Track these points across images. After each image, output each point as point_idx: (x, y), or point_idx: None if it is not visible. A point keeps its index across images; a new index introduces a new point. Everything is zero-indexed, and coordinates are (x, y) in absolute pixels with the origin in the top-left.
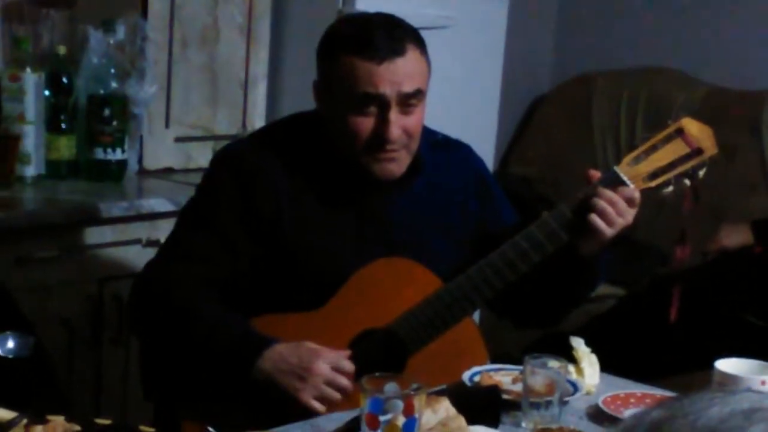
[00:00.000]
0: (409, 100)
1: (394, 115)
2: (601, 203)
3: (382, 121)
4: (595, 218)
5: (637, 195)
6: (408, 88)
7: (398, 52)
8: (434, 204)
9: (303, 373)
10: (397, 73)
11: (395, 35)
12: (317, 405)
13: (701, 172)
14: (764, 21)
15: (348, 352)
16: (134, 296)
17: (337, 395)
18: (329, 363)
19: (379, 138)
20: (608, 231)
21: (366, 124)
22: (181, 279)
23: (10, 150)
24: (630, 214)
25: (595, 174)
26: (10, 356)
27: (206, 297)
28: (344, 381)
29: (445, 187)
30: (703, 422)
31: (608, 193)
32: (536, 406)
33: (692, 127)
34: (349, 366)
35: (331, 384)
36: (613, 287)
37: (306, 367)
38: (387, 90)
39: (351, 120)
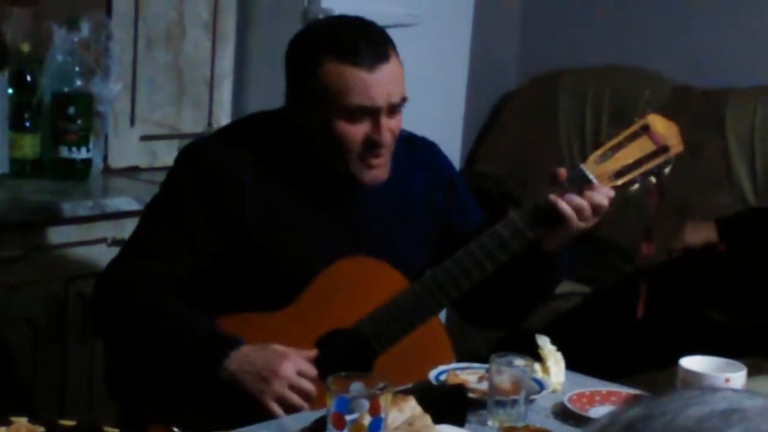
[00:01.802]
0: (396, 107)
1: (385, 121)
2: (566, 207)
3: (375, 129)
4: (565, 221)
5: (605, 204)
6: (396, 96)
7: (384, 57)
8: (401, 201)
9: (268, 376)
10: (387, 81)
11: (377, 40)
12: (277, 409)
13: (667, 170)
14: (729, 18)
15: (314, 354)
16: (97, 294)
17: (299, 400)
18: (294, 367)
19: (372, 145)
20: (573, 232)
21: (357, 132)
22: (145, 277)
23: None
24: (600, 214)
25: (563, 173)
26: None
27: (170, 295)
28: (308, 385)
29: (412, 184)
30: (679, 423)
31: (575, 199)
32: (502, 404)
33: (658, 124)
34: (312, 370)
35: (294, 388)
36: (579, 285)
37: (271, 369)
38: (380, 101)
39: (341, 129)
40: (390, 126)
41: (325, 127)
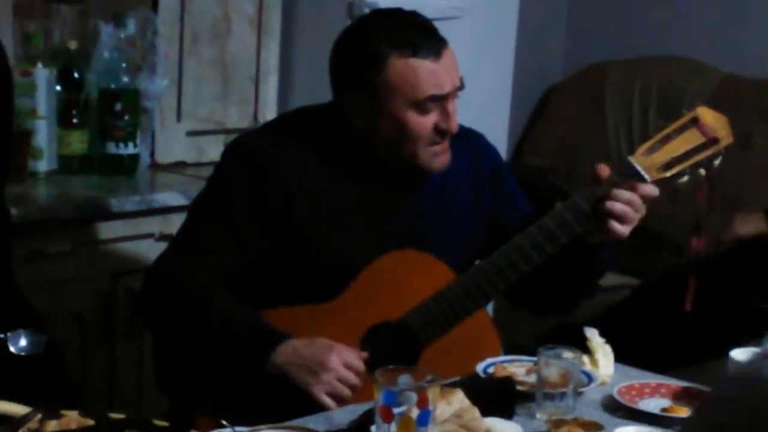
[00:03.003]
0: (458, 91)
1: (452, 107)
2: (619, 207)
3: (445, 116)
4: (613, 223)
5: (656, 192)
6: (458, 80)
7: (443, 44)
8: (447, 194)
9: (316, 368)
10: (450, 67)
11: (431, 28)
12: (328, 400)
13: (717, 162)
14: None
15: (361, 352)
16: (146, 289)
17: (348, 392)
18: (342, 359)
19: (442, 132)
20: (626, 231)
21: (428, 122)
22: (193, 271)
23: (22, 145)
24: (645, 208)
25: (604, 170)
26: (23, 354)
27: (218, 289)
28: (355, 379)
29: (459, 176)
30: None
31: (626, 194)
32: (550, 397)
33: (708, 116)
34: (360, 364)
35: (342, 381)
36: (627, 277)
37: (319, 362)
38: (449, 88)
39: (412, 121)
40: (455, 112)
41: (394, 120)
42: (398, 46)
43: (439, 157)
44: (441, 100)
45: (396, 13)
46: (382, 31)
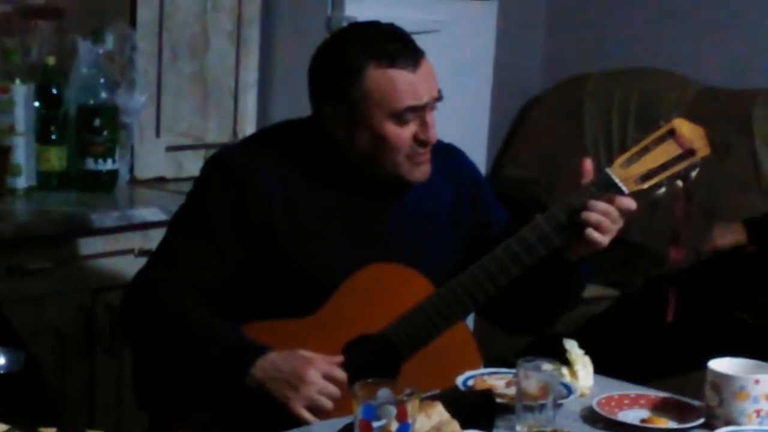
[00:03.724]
0: (436, 102)
1: (430, 118)
2: (595, 216)
3: (423, 127)
4: (591, 232)
5: (633, 205)
6: (436, 91)
7: (420, 54)
8: (428, 208)
9: (295, 382)
10: (428, 77)
11: (409, 39)
12: (308, 415)
13: (694, 173)
14: (754, 19)
15: (340, 359)
16: (125, 304)
17: (329, 404)
18: (321, 372)
19: (421, 143)
20: (604, 240)
21: (407, 133)
22: (172, 286)
23: (0, 162)
24: (622, 221)
25: (589, 166)
26: (2, 371)
27: (197, 304)
28: (335, 390)
29: (438, 190)
30: None
31: (602, 205)
32: (530, 409)
33: (684, 127)
34: (341, 374)
35: (322, 393)
36: (607, 288)
37: (298, 375)
38: (426, 98)
39: (391, 132)
40: (433, 123)
41: (373, 132)
42: (375, 57)
43: (419, 168)
44: (419, 111)
45: (373, 25)
46: (359, 42)
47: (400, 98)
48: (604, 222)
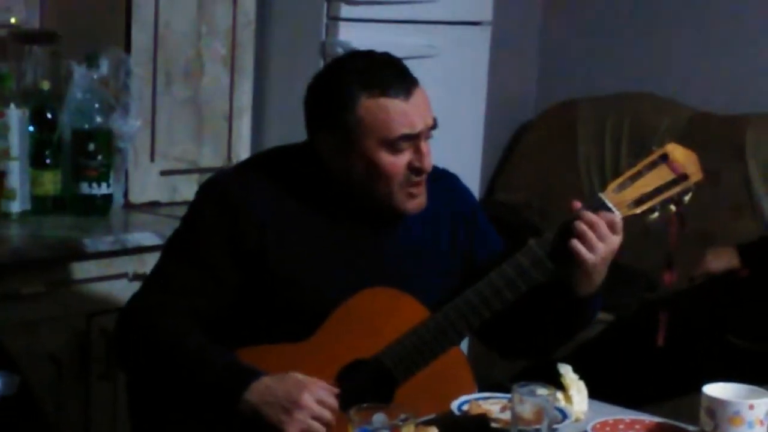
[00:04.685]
0: (432, 130)
1: (425, 146)
2: (582, 226)
3: (418, 155)
4: (575, 242)
5: (618, 220)
6: (431, 118)
7: (414, 83)
8: (421, 234)
9: (289, 407)
10: (421, 105)
11: (403, 68)
12: None
13: (687, 198)
14: (746, 45)
15: (335, 389)
16: (119, 329)
17: (322, 429)
18: (316, 396)
19: (416, 172)
20: (589, 256)
21: (401, 161)
22: (166, 311)
23: None
24: (613, 240)
25: (576, 204)
26: None
27: (191, 328)
28: (329, 415)
29: (434, 216)
30: None
31: (589, 215)
32: None
33: (677, 152)
34: (333, 400)
35: (316, 418)
36: (601, 313)
37: (292, 400)
38: (420, 126)
39: (385, 161)
40: (429, 152)
41: (367, 160)
42: (368, 87)
43: (414, 200)
44: (414, 140)
45: (368, 54)
46: (353, 71)
47: (393, 127)
48: (590, 235)
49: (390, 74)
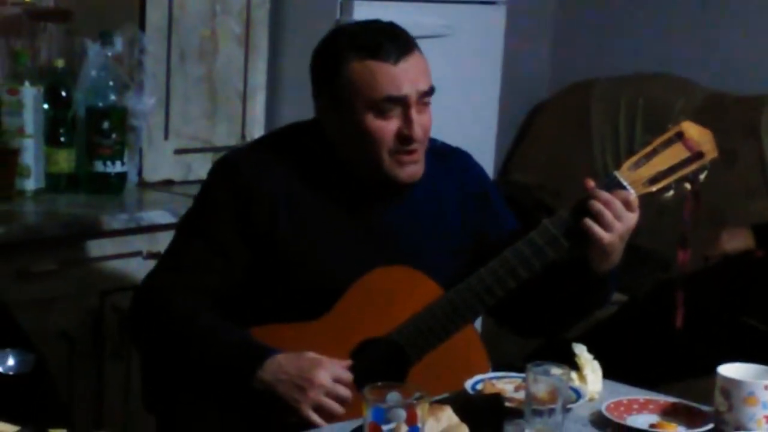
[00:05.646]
0: (425, 98)
1: (415, 114)
2: (597, 205)
3: (406, 122)
4: (589, 222)
5: (633, 198)
6: (424, 85)
7: (407, 50)
8: (433, 212)
9: (303, 384)
10: (412, 71)
11: (399, 36)
12: (316, 418)
13: (702, 176)
14: (761, 24)
15: (348, 362)
16: (134, 308)
17: (337, 407)
18: (330, 374)
19: (404, 139)
20: (605, 235)
21: (389, 127)
22: (180, 289)
23: (9, 164)
24: (629, 219)
25: (590, 183)
26: (11, 373)
27: (205, 307)
28: (344, 392)
29: (445, 194)
30: None
31: (604, 194)
32: (539, 413)
33: (692, 130)
34: (348, 376)
35: (331, 395)
36: (616, 293)
37: (306, 377)
38: (408, 90)
39: (373, 124)
40: (421, 121)
41: (356, 125)
42: (357, 50)
43: (405, 168)
44: (402, 105)
45: (363, 23)
46: (345, 36)
47: (378, 88)
48: (605, 213)
49: (382, 38)
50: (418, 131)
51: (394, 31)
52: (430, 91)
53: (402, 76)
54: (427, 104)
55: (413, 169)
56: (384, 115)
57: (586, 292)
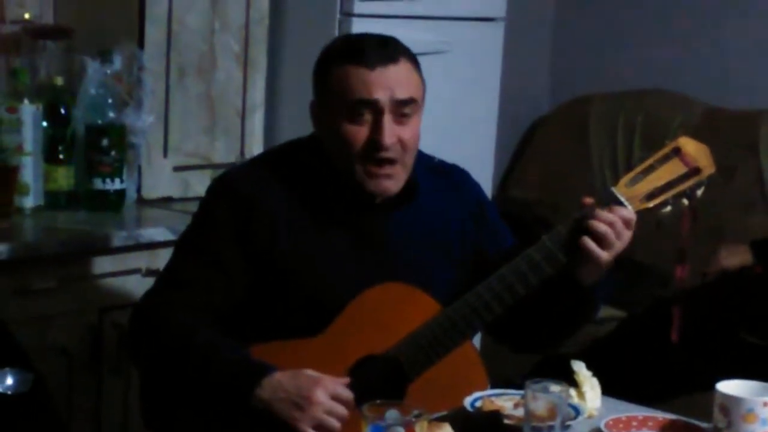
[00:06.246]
0: (403, 109)
1: (387, 121)
2: (601, 226)
3: (376, 128)
4: (589, 242)
5: (633, 216)
6: (401, 94)
7: (391, 60)
8: (431, 229)
9: (302, 402)
10: (390, 79)
11: (388, 46)
12: None
13: (699, 192)
14: (759, 40)
15: (347, 380)
16: (133, 325)
17: (336, 425)
18: (328, 391)
19: (374, 145)
20: (604, 255)
21: (361, 132)
22: (179, 307)
23: (8, 181)
24: (627, 236)
25: (588, 201)
26: (9, 392)
27: (203, 324)
28: (342, 410)
29: (442, 211)
30: None
31: (606, 215)
32: (538, 430)
33: (689, 146)
34: (347, 394)
35: (330, 413)
36: (614, 309)
37: (305, 395)
38: (380, 95)
39: (345, 129)
40: (398, 133)
41: (333, 130)
42: (341, 56)
43: (375, 180)
44: (374, 111)
45: (359, 34)
46: (338, 44)
47: (350, 91)
48: (609, 234)
49: (365, 46)
50: (388, 139)
51: (385, 42)
52: (409, 101)
53: (375, 81)
54: (407, 116)
55: (385, 183)
56: (355, 120)
57: (574, 303)
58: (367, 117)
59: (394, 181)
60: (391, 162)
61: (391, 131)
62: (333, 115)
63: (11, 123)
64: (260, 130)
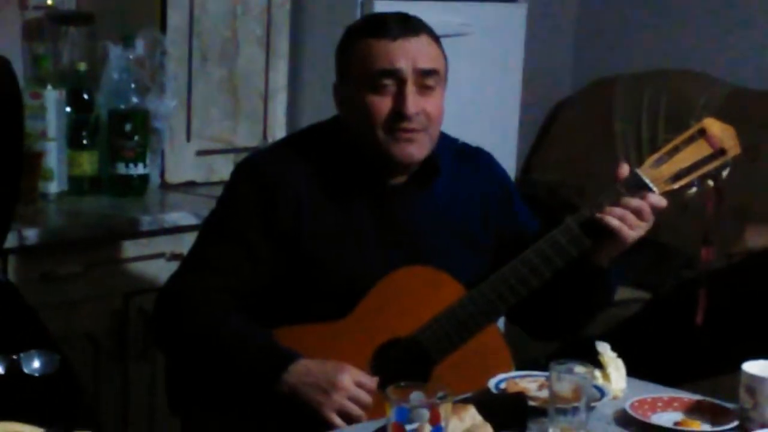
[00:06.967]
0: (426, 80)
1: (410, 91)
2: (627, 214)
3: (400, 97)
4: (618, 224)
5: (664, 203)
6: (423, 64)
7: (411, 32)
8: (455, 212)
9: (327, 387)
10: (412, 49)
11: (410, 21)
12: (338, 420)
13: (725, 173)
14: None
15: (374, 378)
16: (158, 310)
17: (359, 411)
18: (353, 378)
19: (398, 115)
20: (631, 236)
21: (384, 102)
22: (204, 291)
23: (33, 167)
24: (652, 219)
25: (625, 171)
26: (37, 375)
27: (230, 309)
28: (366, 397)
29: (466, 194)
30: None
31: (635, 202)
32: (563, 412)
33: (715, 127)
34: (372, 383)
35: (353, 399)
36: (639, 291)
37: (331, 380)
38: (402, 65)
39: (369, 100)
40: (422, 104)
41: (356, 102)
42: (360, 32)
43: (399, 145)
44: (397, 81)
45: (377, 13)
46: (355, 24)
47: (372, 62)
48: (632, 220)
49: (387, 20)
50: (411, 108)
51: (407, 17)
52: (432, 72)
53: (397, 51)
54: (430, 87)
55: (408, 148)
56: (379, 91)
57: (590, 287)
58: (391, 88)
59: (417, 145)
60: (414, 128)
61: (414, 101)
62: (356, 89)
63: (35, 109)
64: (283, 113)
